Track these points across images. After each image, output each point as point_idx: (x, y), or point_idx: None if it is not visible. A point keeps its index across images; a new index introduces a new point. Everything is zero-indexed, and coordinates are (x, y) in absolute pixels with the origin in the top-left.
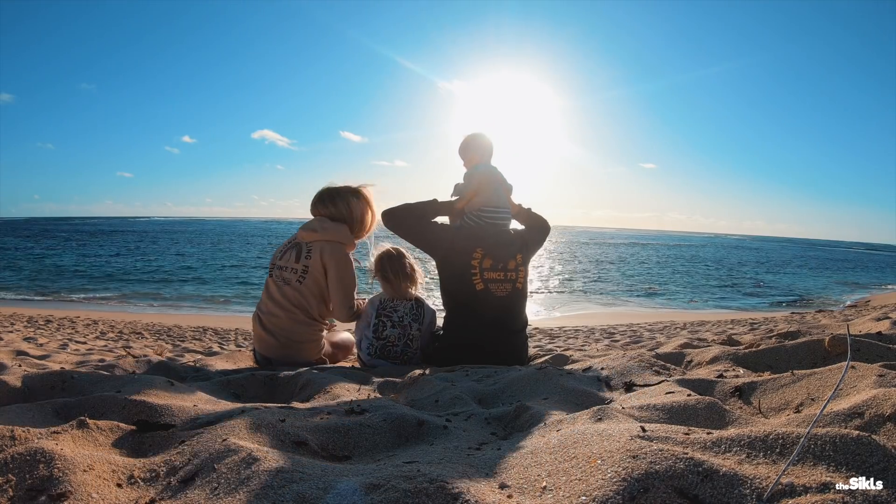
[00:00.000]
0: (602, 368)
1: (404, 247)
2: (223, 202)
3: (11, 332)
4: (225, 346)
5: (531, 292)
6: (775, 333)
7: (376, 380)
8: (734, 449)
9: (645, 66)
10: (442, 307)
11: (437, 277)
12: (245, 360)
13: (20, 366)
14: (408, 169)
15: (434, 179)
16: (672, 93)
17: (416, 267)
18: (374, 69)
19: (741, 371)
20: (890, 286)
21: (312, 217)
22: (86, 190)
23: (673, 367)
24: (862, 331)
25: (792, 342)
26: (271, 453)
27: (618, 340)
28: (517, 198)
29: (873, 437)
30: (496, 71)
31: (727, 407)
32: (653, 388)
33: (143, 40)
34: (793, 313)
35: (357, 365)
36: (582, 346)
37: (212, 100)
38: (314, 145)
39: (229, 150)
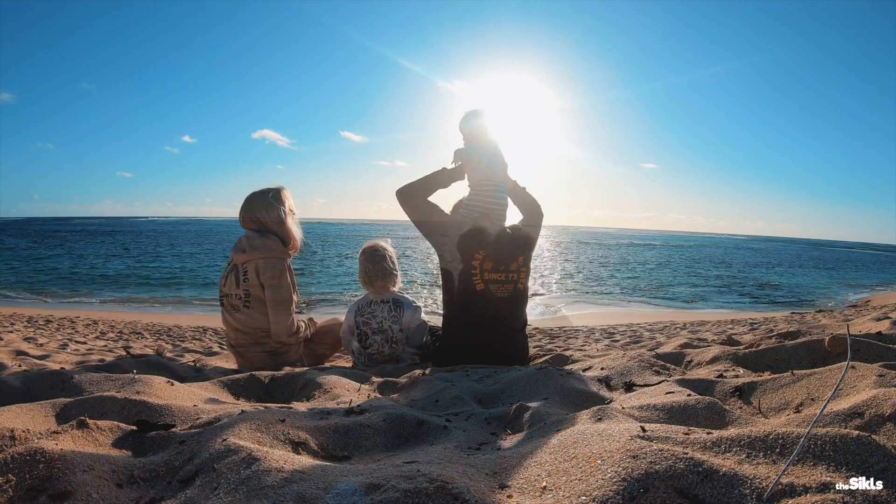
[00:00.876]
0: (602, 368)
1: (392, 240)
2: (223, 202)
3: (11, 332)
4: (225, 347)
5: (531, 293)
6: (775, 333)
7: (376, 380)
8: (734, 449)
9: (645, 67)
10: (441, 305)
11: (437, 274)
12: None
13: (20, 366)
14: (409, 169)
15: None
16: (672, 93)
17: (396, 262)
18: (376, 70)
19: (741, 371)
20: (893, 285)
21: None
22: (86, 190)
23: (673, 367)
24: (862, 331)
25: (792, 342)
26: (271, 453)
27: (618, 340)
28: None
29: (873, 437)
30: (497, 71)
31: (727, 407)
32: (653, 388)
33: (144, 40)
34: (793, 313)
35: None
36: (582, 346)
37: (213, 100)
38: (315, 145)
39: (230, 150)
